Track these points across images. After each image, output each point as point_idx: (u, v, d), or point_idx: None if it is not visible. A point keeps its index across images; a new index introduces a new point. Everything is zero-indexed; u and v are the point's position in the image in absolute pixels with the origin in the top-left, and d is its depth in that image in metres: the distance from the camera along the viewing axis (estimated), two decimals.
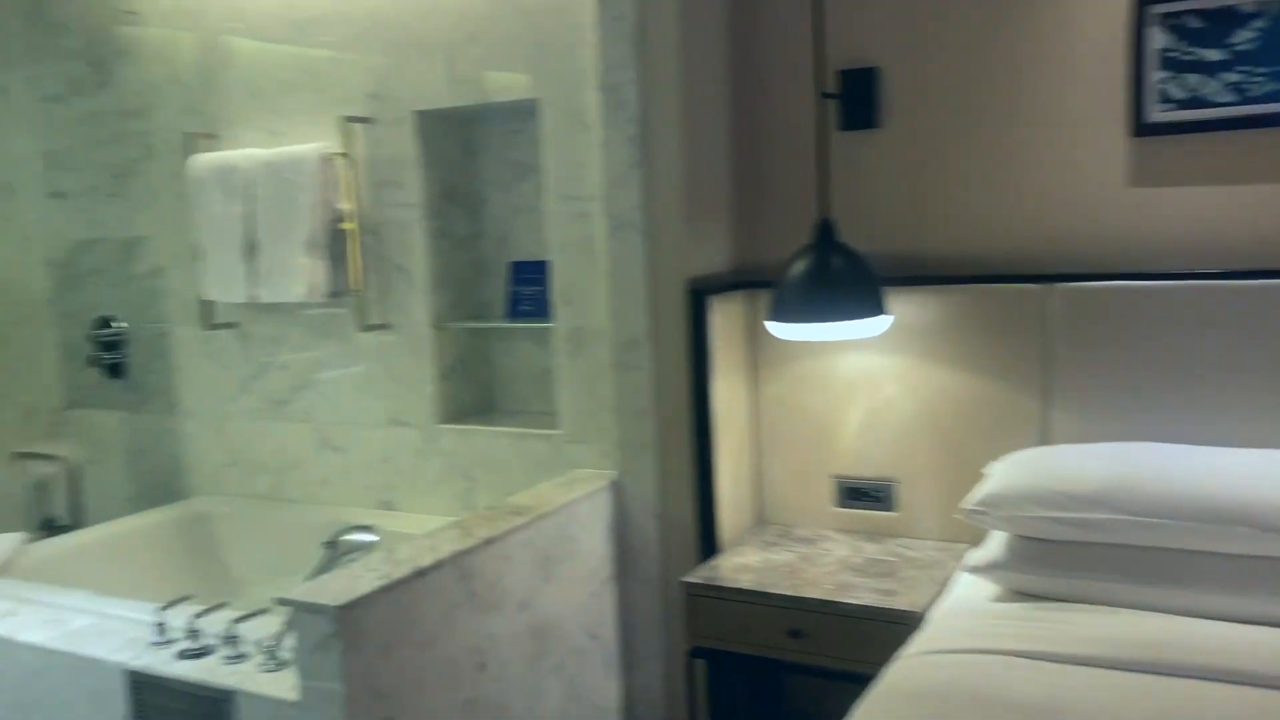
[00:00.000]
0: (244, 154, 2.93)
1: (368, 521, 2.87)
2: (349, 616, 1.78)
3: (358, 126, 2.84)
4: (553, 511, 2.31)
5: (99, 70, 3.32)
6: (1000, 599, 1.94)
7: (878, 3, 2.40)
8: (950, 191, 2.39)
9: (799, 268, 2.23)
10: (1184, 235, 2.17)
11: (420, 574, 1.94)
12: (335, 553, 2.66)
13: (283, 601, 1.82)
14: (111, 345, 3.45)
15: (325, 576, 1.93)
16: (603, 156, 2.45)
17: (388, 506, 2.98)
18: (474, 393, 2.99)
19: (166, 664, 2.04)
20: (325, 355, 3.03)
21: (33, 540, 2.89)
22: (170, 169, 3.18)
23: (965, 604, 1.94)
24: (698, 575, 2.28)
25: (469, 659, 2.07)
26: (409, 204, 2.82)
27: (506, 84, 2.64)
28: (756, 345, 2.58)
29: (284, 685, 1.88)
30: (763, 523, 2.63)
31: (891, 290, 2.38)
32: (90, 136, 3.38)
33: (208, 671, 1.99)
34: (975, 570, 1.96)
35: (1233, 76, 2.08)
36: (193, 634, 2.09)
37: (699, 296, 2.40)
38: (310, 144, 2.85)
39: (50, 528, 3.62)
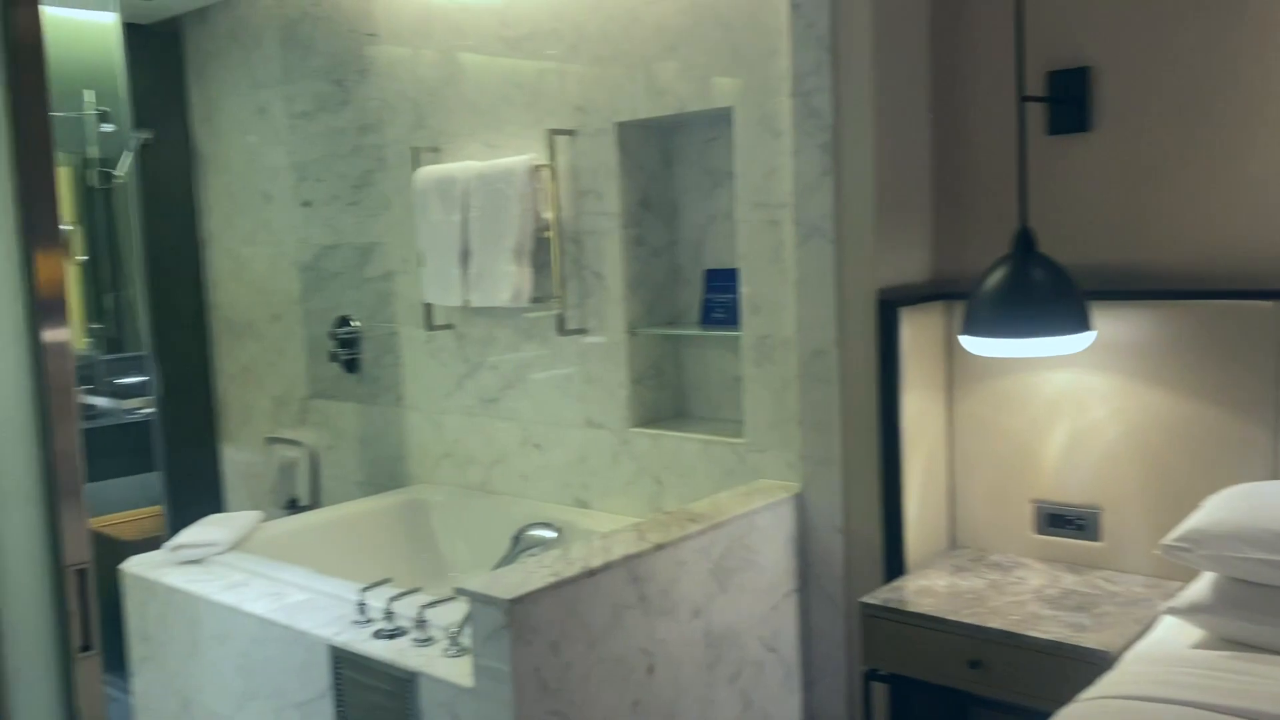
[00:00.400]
0: (461, 166, 3.11)
1: (564, 518, 2.98)
2: (519, 610, 1.86)
3: (563, 138, 2.94)
4: (728, 521, 2.32)
5: (341, 88, 3.62)
6: (1203, 645, 1.78)
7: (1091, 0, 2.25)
8: (1170, 199, 2.20)
9: (995, 280, 2.12)
10: None
11: (590, 574, 1.99)
12: (518, 547, 2.78)
13: (460, 591, 1.92)
14: (348, 342, 3.75)
15: (503, 570, 2.02)
16: (794, 164, 2.43)
17: (582, 505, 3.08)
18: (667, 398, 3.03)
19: (364, 642, 2.20)
20: (529, 357, 3.17)
21: (269, 518, 3.18)
22: (400, 180, 3.41)
23: (1162, 648, 1.79)
24: (878, 596, 2.21)
25: (638, 661, 2.11)
26: (607, 213, 2.90)
27: (702, 93, 2.67)
28: (952, 359, 2.47)
29: (462, 671, 1.99)
30: (956, 546, 2.52)
31: (1100, 305, 2.22)
32: (333, 150, 3.69)
33: (397, 652, 2.13)
34: (1175, 612, 1.80)
35: None
36: (389, 615, 2.24)
37: (889, 307, 2.33)
38: (519, 156, 2.99)
39: (293, 507, 3.98)
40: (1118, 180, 2.26)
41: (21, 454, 1.13)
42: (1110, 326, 2.23)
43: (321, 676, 2.26)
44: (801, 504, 2.51)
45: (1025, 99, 2.11)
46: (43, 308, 1.16)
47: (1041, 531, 2.38)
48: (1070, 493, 2.33)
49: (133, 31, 4.17)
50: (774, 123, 2.52)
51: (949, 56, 2.46)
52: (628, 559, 2.07)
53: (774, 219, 2.55)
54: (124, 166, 4.11)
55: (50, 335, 1.17)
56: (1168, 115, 2.19)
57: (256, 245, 4.08)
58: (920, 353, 2.39)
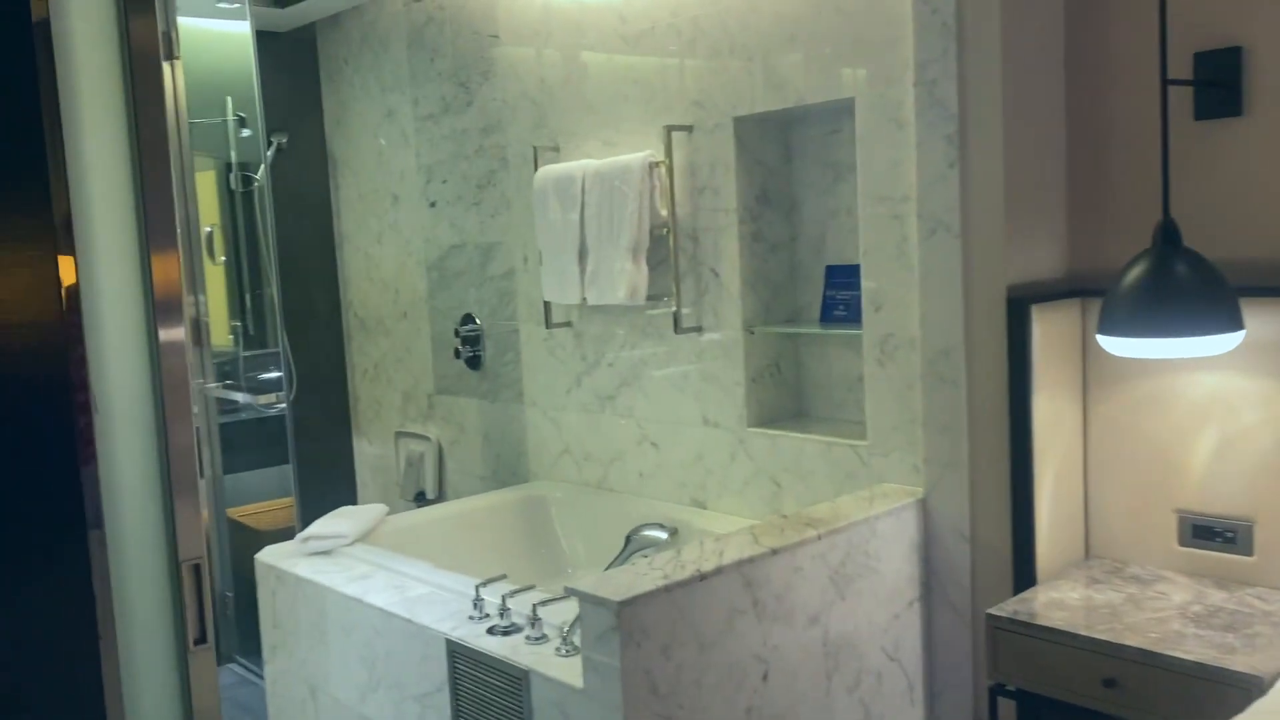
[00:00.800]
0: (579, 164, 3.12)
1: (680, 518, 2.95)
2: (629, 612, 1.84)
3: (680, 134, 2.91)
4: (848, 526, 2.25)
5: (465, 90, 3.67)
6: None
7: None
8: None
9: (1135, 275, 1.99)
10: None
11: (701, 577, 1.96)
12: (630, 547, 2.76)
13: (571, 591, 1.92)
14: (471, 340, 3.81)
15: (614, 571, 2.00)
16: (917, 156, 2.34)
17: (699, 504, 3.05)
18: (786, 397, 2.97)
19: (478, 637, 2.22)
20: (646, 355, 3.15)
21: (395, 511, 3.26)
22: (521, 180, 3.45)
23: None
24: (1005, 608, 2.11)
25: (753, 667, 2.07)
26: (724, 209, 2.86)
27: (822, 84, 2.60)
28: (1088, 360, 2.34)
29: (573, 671, 1.99)
30: (1091, 556, 2.38)
31: (1253, 302, 2.06)
32: (457, 151, 3.75)
33: (511, 649, 2.14)
34: None
35: None
36: (503, 612, 2.26)
37: (1019, 305, 2.22)
38: (636, 153, 2.97)
39: (420, 499, 4.07)
40: (1273, 168, 2.10)
41: (140, 450, 1.17)
42: (1265, 326, 2.07)
43: (439, 670, 2.30)
44: (926, 510, 2.42)
45: (1169, 82, 1.97)
46: (160, 308, 1.19)
47: (1186, 544, 2.23)
48: (1219, 503, 2.17)
49: (270, 39, 4.34)
50: (897, 113, 2.43)
51: (1087, 39, 2.32)
52: (740, 563, 2.03)
53: (897, 213, 2.46)
54: (261, 170, 4.28)
55: (167, 334, 1.21)
56: None
57: (385, 245, 4.19)
58: (1053, 353, 2.27)
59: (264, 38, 4.32)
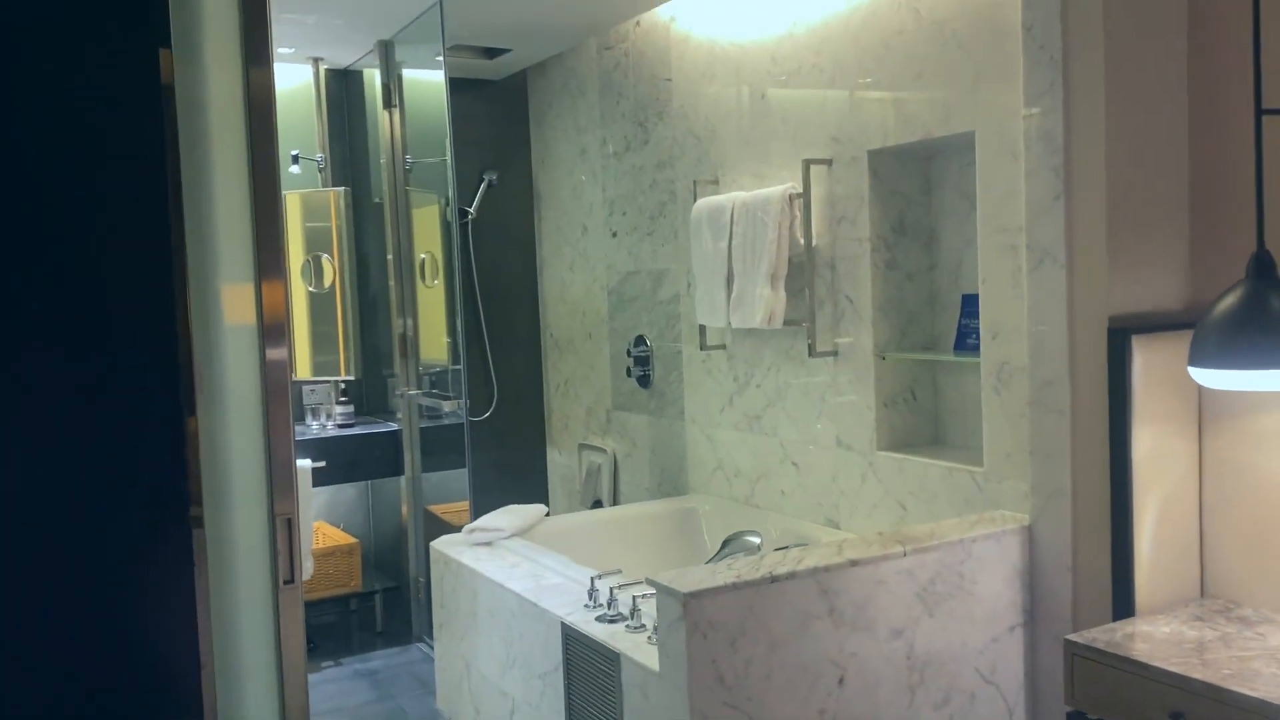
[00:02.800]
0: (730, 196, 3.33)
1: (814, 536, 3.08)
2: (695, 603, 2.03)
3: (821, 167, 3.06)
4: (938, 546, 2.32)
5: (643, 129, 3.97)
6: None
7: None
8: None
9: (1224, 307, 1.97)
10: None
11: (773, 580, 2.11)
12: (725, 550, 2.92)
13: (650, 582, 2.12)
14: (642, 360, 4.08)
15: (694, 567, 2.19)
16: (1026, 187, 2.39)
17: (833, 524, 3.16)
18: (921, 423, 3.04)
19: (588, 623, 2.46)
20: (788, 378, 3.30)
21: (552, 514, 3.57)
22: (686, 211, 3.69)
23: None
24: (1086, 635, 2.12)
25: (827, 670, 2.19)
26: (858, 238, 2.98)
27: (946, 119, 2.68)
28: (1204, 393, 2.29)
29: (655, 657, 2.18)
30: (1206, 595, 2.32)
31: None
32: (635, 185, 4.05)
33: (609, 634, 2.37)
34: None
35: None
36: (611, 602, 2.49)
37: (1120, 336, 2.23)
38: (778, 186, 3.14)
39: (596, 506, 4.38)
40: None
41: (250, 441, 1.50)
42: None
43: (557, 651, 2.56)
44: (1031, 537, 2.44)
45: (1265, 112, 1.94)
46: (269, 331, 1.51)
47: None
48: None
49: (486, 86, 4.83)
50: (1013, 146, 2.48)
51: (1209, 68, 2.29)
52: (816, 571, 2.16)
53: (1013, 243, 2.51)
54: (474, 204, 4.76)
55: (272, 354, 1.52)
56: None
57: (576, 271, 4.55)
58: (1159, 385, 2.25)
59: (481, 85, 4.82)
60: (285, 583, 1.53)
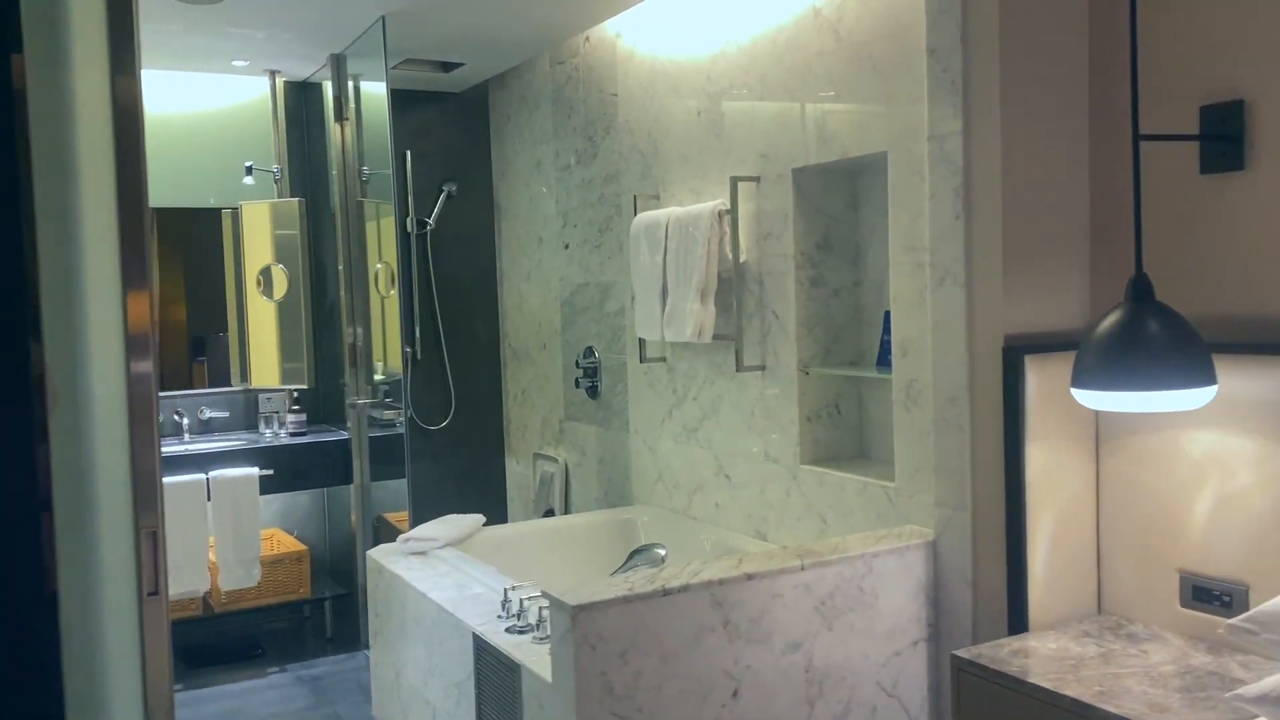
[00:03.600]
0: (666, 211, 3.37)
1: (744, 548, 3.11)
2: (584, 616, 2.06)
3: (751, 184, 3.10)
4: (838, 560, 2.35)
5: (592, 143, 4.01)
6: None
7: (1248, 27, 2.05)
8: None
9: (1104, 329, 2.00)
10: None
11: (665, 593, 2.14)
12: (628, 562, 2.96)
13: (545, 594, 2.16)
14: (591, 371, 4.12)
15: (597, 580, 2.23)
16: (930, 208, 2.43)
17: (762, 536, 3.19)
18: (843, 437, 3.07)
19: (496, 633, 2.49)
20: (720, 392, 3.34)
21: (489, 524, 3.60)
22: (629, 225, 3.73)
23: None
24: (971, 651, 2.15)
25: (721, 683, 2.22)
26: (784, 254, 3.01)
27: (861, 139, 2.72)
28: (1100, 412, 2.33)
29: (549, 666, 2.22)
30: (1104, 612, 2.35)
31: (1252, 359, 2.02)
32: (585, 198, 4.09)
33: (514, 645, 2.40)
34: (1241, 700, 1.63)
35: None
36: (520, 613, 2.53)
37: (1013, 355, 2.26)
38: (708, 202, 3.19)
39: (548, 515, 4.42)
40: (1271, 224, 2.04)
41: (116, 453, 1.53)
42: (1256, 384, 2.02)
43: (469, 660, 2.59)
44: (935, 552, 2.48)
45: (1141, 138, 1.98)
46: (133, 343, 1.55)
47: (1187, 604, 2.17)
48: (1216, 564, 2.11)
49: (448, 99, 4.88)
50: (920, 167, 2.52)
51: (1110, 94, 2.33)
52: (710, 584, 2.20)
53: (920, 262, 2.55)
54: (433, 215, 4.80)
55: (137, 366, 1.56)
56: None
57: (532, 282, 4.59)
58: (1054, 403, 2.29)
59: (443, 98, 4.87)
60: (150, 594, 1.57)
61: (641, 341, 3.61)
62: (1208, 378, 1.92)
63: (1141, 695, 1.89)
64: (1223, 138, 2.11)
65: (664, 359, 3.61)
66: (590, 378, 4.11)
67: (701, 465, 3.47)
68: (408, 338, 4.83)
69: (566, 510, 4.36)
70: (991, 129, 2.28)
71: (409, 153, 4.78)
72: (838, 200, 3.04)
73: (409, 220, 4.83)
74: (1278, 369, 1.99)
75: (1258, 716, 1.64)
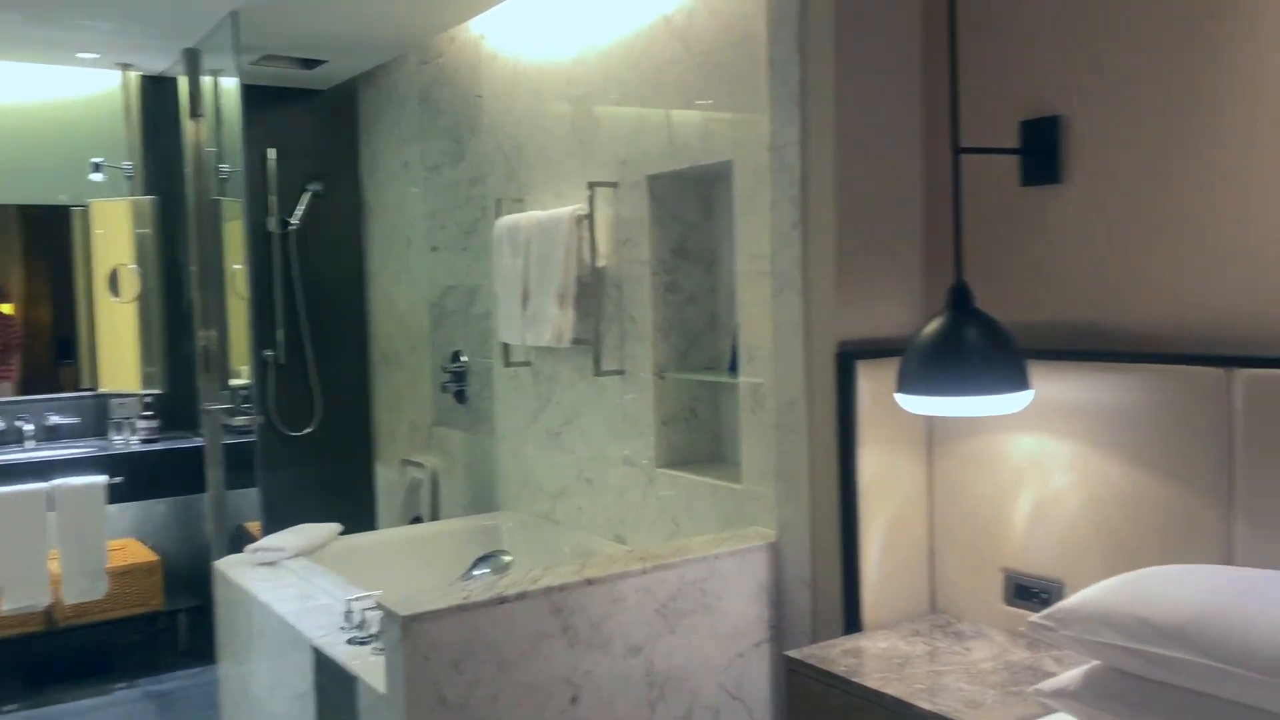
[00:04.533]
0: (528, 215, 3.35)
1: (605, 551, 3.11)
2: (416, 626, 2.03)
3: (609, 189, 3.11)
4: (680, 563, 2.37)
5: (458, 144, 3.97)
6: None
7: (1065, 46, 2.14)
8: (1138, 255, 2.05)
9: (925, 336, 2.06)
10: None
11: (502, 601, 2.13)
12: (478, 568, 2.95)
13: (379, 605, 2.12)
14: (459, 375, 4.07)
15: (425, 589, 2.20)
16: (771, 216, 2.47)
17: (621, 540, 3.20)
18: (699, 440, 3.10)
19: (336, 645, 2.44)
20: (582, 396, 3.34)
21: (346, 532, 3.53)
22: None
23: None
24: (804, 652, 2.19)
25: (560, 690, 2.21)
26: (640, 260, 3.03)
27: (710, 148, 2.75)
28: (933, 418, 2.40)
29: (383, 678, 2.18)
30: (935, 610, 2.42)
31: (1066, 366, 2.10)
32: (452, 200, 4.05)
33: (351, 656, 2.36)
34: (1041, 695, 1.69)
35: None
36: (362, 624, 2.48)
37: (846, 361, 2.31)
38: (568, 206, 3.18)
39: (416, 522, 4.35)
40: (1084, 235, 2.13)
41: None
42: (1072, 389, 2.10)
43: (310, 672, 2.53)
44: (777, 553, 2.51)
45: (960, 151, 2.05)
46: None
47: (1010, 602, 2.25)
48: (1036, 563, 2.20)
49: (314, 96, 4.77)
50: (763, 176, 2.56)
51: (938, 111, 2.41)
52: (550, 590, 2.19)
53: (763, 270, 2.58)
54: (297, 215, 4.69)
55: None
56: (1134, 168, 2.04)
57: (401, 284, 4.52)
58: (887, 408, 2.34)
59: (308, 95, 4.76)
60: None
61: (506, 345, 3.59)
62: (1022, 383, 1.99)
63: (959, 692, 1.95)
64: (1041, 152, 2.19)
65: (529, 363, 3.60)
66: (458, 382, 4.07)
67: (565, 470, 3.46)
68: (266, 341, 4.71)
69: (436, 517, 4.30)
70: (827, 140, 2.32)
71: (274, 151, 4.66)
72: (693, 207, 3.06)
73: (272, 220, 4.71)
74: (1090, 375, 2.07)
75: (1056, 710, 1.71)
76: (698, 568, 2.40)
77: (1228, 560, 1.86)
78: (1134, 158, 2.04)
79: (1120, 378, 2.02)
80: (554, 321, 3.16)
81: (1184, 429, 1.91)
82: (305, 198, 4.71)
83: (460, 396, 4.09)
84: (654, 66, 2.93)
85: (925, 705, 1.89)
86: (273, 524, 3.62)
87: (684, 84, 2.83)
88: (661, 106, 2.91)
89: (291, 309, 4.73)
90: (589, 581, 2.24)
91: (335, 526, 3.42)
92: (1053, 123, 2.17)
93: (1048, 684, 1.70)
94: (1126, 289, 2.07)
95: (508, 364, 3.62)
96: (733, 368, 2.97)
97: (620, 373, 3.14)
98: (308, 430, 4.73)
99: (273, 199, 4.69)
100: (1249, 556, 1.83)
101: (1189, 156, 1.95)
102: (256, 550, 3.19)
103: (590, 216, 3.11)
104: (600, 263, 3.18)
